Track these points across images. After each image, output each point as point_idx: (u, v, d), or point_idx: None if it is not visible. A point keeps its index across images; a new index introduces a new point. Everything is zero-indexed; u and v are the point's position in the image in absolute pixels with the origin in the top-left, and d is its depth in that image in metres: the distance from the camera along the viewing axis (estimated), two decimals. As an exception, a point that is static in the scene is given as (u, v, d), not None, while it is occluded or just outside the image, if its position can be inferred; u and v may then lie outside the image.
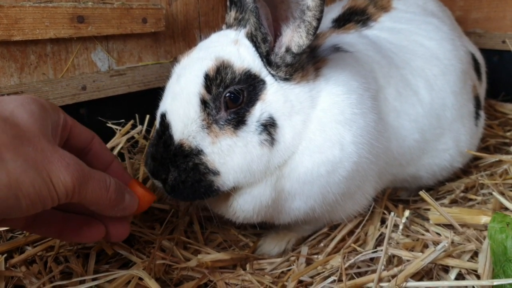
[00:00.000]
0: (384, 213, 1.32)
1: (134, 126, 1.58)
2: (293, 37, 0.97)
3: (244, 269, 1.15)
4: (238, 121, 0.98)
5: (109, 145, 1.49)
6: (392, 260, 1.09)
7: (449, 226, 1.19)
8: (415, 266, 0.94)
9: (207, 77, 0.98)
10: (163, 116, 1.02)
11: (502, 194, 1.35)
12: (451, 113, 1.37)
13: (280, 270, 1.15)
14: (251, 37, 1.03)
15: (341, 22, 1.46)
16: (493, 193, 1.16)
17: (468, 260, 1.02)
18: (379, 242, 1.20)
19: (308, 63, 1.07)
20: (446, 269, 1.04)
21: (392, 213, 1.06)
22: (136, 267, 1.07)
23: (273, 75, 1.02)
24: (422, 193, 1.12)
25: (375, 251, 1.08)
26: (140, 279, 1.02)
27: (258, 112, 0.99)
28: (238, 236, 1.31)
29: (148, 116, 1.59)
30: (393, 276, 0.95)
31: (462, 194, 1.43)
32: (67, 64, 1.42)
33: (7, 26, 1.21)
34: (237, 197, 1.04)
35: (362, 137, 1.08)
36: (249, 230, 1.35)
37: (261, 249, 1.27)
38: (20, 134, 0.74)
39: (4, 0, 1.23)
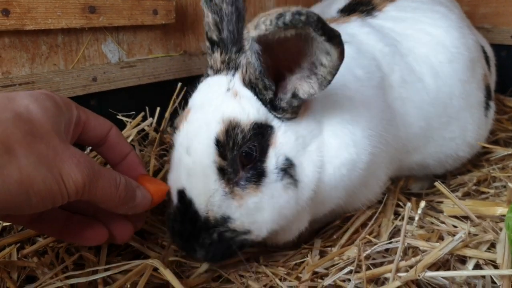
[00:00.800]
0: (397, 206, 1.31)
1: (144, 118, 1.57)
2: (301, 86, 0.93)
3: (258, 262, 1.14)
4: (258, 176, 0.94)
5: (119, 137, 1.49)
6: (407, 252, 1.08)
7: (464, 219, 1.18)
8: (433, 256, 0.93)
9: (218, 143, 0.92)
10: (182, 193, 0.96)
11: (516, 186, 1.34)
12: (458, 102, 1.36)
13: (293, 262, 1.14)
14: (250, 85, 0.97)
15: (346, 13, 1.45)
16: (508, 184, 1.15)
17: (485, 251, 1.01)
18: (393, 234, 1.19)
19: None
20: (463, 260, 1.03)
21: (409, 204, 1.06)
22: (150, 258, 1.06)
23: (279, 118, 0.98)
24: (438, 184, 1.12)
25: (390, 242, 1.07)
26: (154, 270, 1.01)
27: (273, 159, 0.95)
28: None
29: (158, 109, 1.59)
30: (411, 267, 0.94)
31: (474, 187, 1.43)
32: (78, 55, 1.42)
33: (20, 15, 1.20)
34: (276, 235, 1.06)
35: (371, 129, 1.08)
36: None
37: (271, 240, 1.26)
38: (34, 131, 0.74)
39: (16, -10, 1.23)
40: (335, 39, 0.83)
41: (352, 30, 1.29)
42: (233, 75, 1.01)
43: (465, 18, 1.62)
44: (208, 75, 1.08)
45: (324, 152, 1.02)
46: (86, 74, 1.43)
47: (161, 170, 1.46)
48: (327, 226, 1.29)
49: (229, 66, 1.04)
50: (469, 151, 1.47)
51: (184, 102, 1.62)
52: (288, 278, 1.05)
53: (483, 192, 1.40)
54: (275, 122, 0.98)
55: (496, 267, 0.96)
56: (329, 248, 1.17)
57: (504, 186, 1.40)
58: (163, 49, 1.65)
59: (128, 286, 0.97)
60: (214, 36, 1.05)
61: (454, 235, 0.97)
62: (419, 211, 1.14)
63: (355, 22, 1.34)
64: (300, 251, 1.19)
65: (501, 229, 1.04)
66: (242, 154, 0.93)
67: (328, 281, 0.97)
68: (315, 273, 1.05)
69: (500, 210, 1.13)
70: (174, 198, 0.99)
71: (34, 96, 0.79)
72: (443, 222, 1.19)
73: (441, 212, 1.25)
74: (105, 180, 0.82)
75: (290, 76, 0.95)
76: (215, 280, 1.07)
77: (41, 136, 0.74)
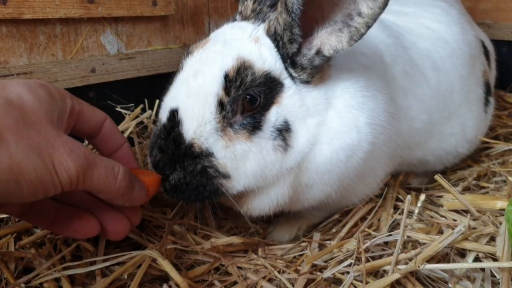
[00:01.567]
0: (396, 200, 1.31)
1: (143, 111, 1.57)
2: (329, 40, 0.92)
3: (256, 254, 1.14)
4: (253, 126, 0.94)
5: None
6: (407, 245, 1.08)
7: (463, 213, 1.18)
8: (433, 249, 0.92)
9: (227, 78, 0.93)
10: (175, 111, 0.96)
11: (515, 181, 1.34)
12: (458, 97, 1.36)
13: (292, 255, 1.14)
14: (274, 36, 0.97)
15: None
16: (508, 178, 1.15)
17: (485, 244, 1.01)
18: (392, 228, 1.19)
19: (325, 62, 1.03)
20: (462, 254, 1.02)
21: (409, 196, 1.05)
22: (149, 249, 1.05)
23: (293, 78, 0.98)
24: (438, 177, 1.11)
25: (390, 235, 1.07)
26: (153, 261, 1.00)
27: (273, 117, 0.95)
28: (248, 222, 1.30)
29: (157, 101, 1.58)
30: (410, 259, 0.93)
31: (474, 182, 1.43)
32: (77, 46, 1.41)
33: (17, 3, 1.19)
34: (252, 197, 1.02)
35: (374, 118, 1.06)
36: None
37: (272, 236, 1.26)
38: (25, 118, 0.72)
39: (14, -22, 1.22)
40: None
41: None
42: (259, 25, 1.01)
43: (466, 13, 1.61)
44: (235, 20, 1.09)
45: (323, 131, 1.00)
46: (85, 65, 1.42)
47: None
48: (326, 220, 1.29)
49: (258, 16, 1.05)
50: (469, 147, 1.47)
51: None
52: (287, 270, 1.05)
53: (483, 187, 1.40)
54: (287, 81, 0.97)
55: (495, 260, 0.95)
56: (328, 241, 1.17)
57: (504, 181, 1.40)
58: (163, 41, 1.64)
59: (126, 276, 0.96)
60: None
61: (453, 229, 0.97)
62: (419, 204, 1.14)
63: None
64: (299, 244, 1.19)
65: (500, 223, 1.04)
66: (246, 97, 0.93)
67: (327, 273, 0.97)
68: (314, 265, 1.05)
69: (500, 204, 1.13)
70: (164, 116, 0.98)
71: (27, 84, 0.78)
72: (443, 216, 1.19)
73: (441, 206, 1.25)
74: (101, 169, 0.80)
75: (320, 30, 0.94)
76: (214, 272, 1.06)
77: (33, 123, 0.73)
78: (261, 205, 1.03)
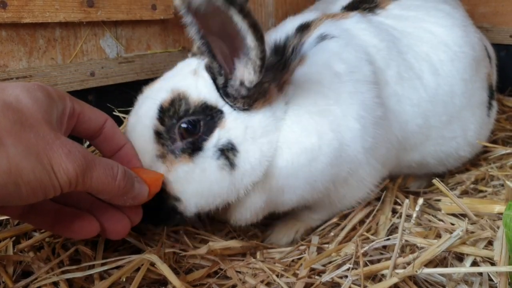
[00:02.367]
0: (395, 203, 1.31)
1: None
2: (244, 73, 0.97)
3: (254, 258, 1.14)
4: (193, 149, 0.98)
5: (117, 132, 1.48)
6: (405, 249, 1.08)
7: (461, 217, 1.18)
8: (431, 253, 0.92)
9: (161, 109, 0.99)
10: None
11: (513, 185, 1.34)
12: (460, 101, 1.36)
13: (291, 259, 1.14)
14: (209, 69, 1.02)
15: (350, 10, 1.44)
16: (506, 182, 1.15)
17: (483, 249, 1.01)
18: (390, 231, 1.19)
19: (272, 84, 1.07)
20: (460, 258, 1.03)
21: (407, 201, 1.06)
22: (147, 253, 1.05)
23: (231, 106, 1.01)
24: (436, 181, 1.11)
25: (388, 239, 1.07)
26: (151, 265, 1.00)
27: (215, 139, 0.99)
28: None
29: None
30: (408, 263, 0.94)
31: (472, 186, 1.43)
32: (76, 49, 1.41)
33: (17, 7, 1.19)
34: (232, 210, 1.08)
35: (341, 125, 1.09)
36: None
37: (270, 239, 1.26)
38: (22, 120, 0.73)
39: (14, -18, 1.22)
40: (239, 6, 0.84)
41: (346, 25, 1.28)
42: (203, 61, 1.07)
43: (468, 17, 1.61)
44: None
45: (280, 140, 1.04)
46: (84, 68, 1.43)
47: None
48: (324, 224, 1.29)
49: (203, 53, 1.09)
50: (470, 151, 1.46)
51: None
52: (286, 274, 1.05)
53: (481, 191, 1.40)
54: (226, 108, 1.01)
55: (493, 264, 0.96)
56: (326, 245, 1.17)
57: (502, 185, 1.40)
58: (162, 44, 1.64)
59: (124, 279, 0.96)
60: None
61: (451, 233, 0.97)
62: (417, 208, 1.14)
63: (352, 18, 1.33)
64: (298, 248, 1.19)
65: (498, 227, 1.04)
66: (181, 126, 0.98)
67: (326, 277, 0.97)
68: (312, 269, 1.05)
69: (498, 208, 1.13)
70: None
71: (26, 87, 0.78)
72: (441, 220, 1.19)
73: (439, 210, 1.25)
74: (100, 170, 0.81)
75: (238, 64, 0.98)
76: (212, 276, 1.06)
77: (31, 125, 0.73)
78: (243, 215, 1.09)
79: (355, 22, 1.31)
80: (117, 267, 1.01)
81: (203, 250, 1.09)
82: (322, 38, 1.19)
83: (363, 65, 1.18)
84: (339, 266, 1.03)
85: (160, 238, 1.17)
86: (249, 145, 1.01)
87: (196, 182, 0.99)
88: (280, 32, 1.25)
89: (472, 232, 1.06)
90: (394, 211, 1.28)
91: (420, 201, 1.14)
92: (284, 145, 1.04)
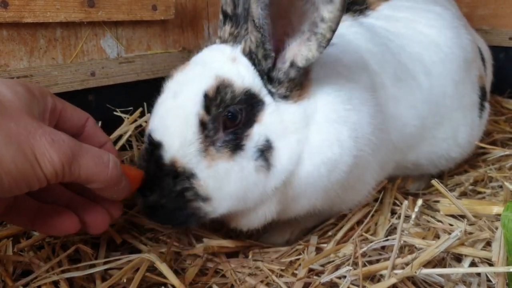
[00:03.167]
0: (394, 204, 1.31)
1: (142, 114, 1.57)
2: (300, 51, 0.94)
3: (252, 257, 1.14)
4: (235, 145, 0.94)
5: (117, 132, 1.49)
6: (403, 250, 1.08)
7: (460, 218, 1.19)
8: (430, 254, 0.93)
9: (206, 97, 0.93)
10: (155, 133, 0.96)
11: (512, 186, 1.35)
12: (451, 102, 1.36)
13: (289, 259, 1.14)
14: (250, 55, 0.99)
15: None
16: (505, 183, 1.15)
17: (481, 249, 1.02)
18: (389, 232, 1.19)
19: (304, 77, 1.04)
20: (458, 259, 1.03)
21: (406, 202, 1.06)
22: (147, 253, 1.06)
23: (272, 94, 0.99)
24: (435, 182, 1.12)
25: (387, 240, 1.07)
26: (151, 266, 1.01)
27: (256, 136, 0.96)
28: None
29: (156, 105, 1.58)
30: (407, 264, 0.94)
31: (471, 187, 1.43)
32: (77, 49, 1.41)
33: (19, 7, 1.20)
34: (240, 216, 1.03)
35: (358, 131, 1.07)
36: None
37: (265, 238, 1.26)
38: (2, 110, 0.71)
39: (16, -18, 1.22)
40: None
41: (340, 30, 1.28)
42: (237, 47, 1.03)
43: (462, 18, 1.62)
44: (214, 43, 1.11)
45: (305, 147, 1.00)
46: (85, 68, 1.43)
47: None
48: (322, 224, 1.29)
49: (236, 39, 1.06)
50: (461, 152, 1.46)
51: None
52: (285, 274, 1.05)
53: (480, 192, 1.41)
54: (268, 99, 0.98)
55: (491, 265, 0.96)
56: (324, 245, 1.17)
57: (501, 186, 1.40)
58: (162, 45, 1.65)
59: (125, 280, 0.97)
60: (229, 10, 1.06)
61: (450, 234, 0.97)
62: (416, 209, 1.14)
63: (344, 22, 1.32)
64: (296, 248, 1.19)
65: (497, 228, 1.05)
66: (227, 114, 0.94)
67: (325, 278, 0.97)
68: (311, 270, 1.05)
69: (496, 209, 1.14)
70: (146, 139, 0.99)
71: (5, 82, 0.77)
72: (439, 221, 1.20)
73: (438, 211, 1.26)
74: (88, 158, 0.79)
75: (290, 43, 0.95)
76: (212, 276, 1.07)
77: (10, 115, 0.71)
78: (249, 222, 1.05)
79: (348, 26, 1.30)
80: (118, 267, 1.01)
81: (199, 248, 1.10)
82: None
83: (363, 72, 1.17)
84: (337, 266, 1.03)
85: (159, 236, 1.18)
86: (281, 142, 0.97)
87: (233, 181, 0.95)
88: None
89: (471, 233, 1.06)
90: (393, 212, 1.28)
91: (419, 202, 1.14)
92: (305, 155, 1.00)
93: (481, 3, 2.22)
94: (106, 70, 1.48)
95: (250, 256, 1.14)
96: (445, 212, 1.21)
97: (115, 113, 1.53)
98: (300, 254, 1.15)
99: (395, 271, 0.93)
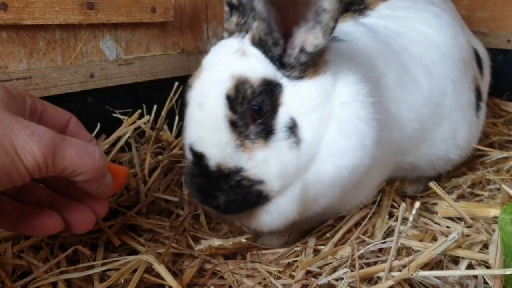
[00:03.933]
0: (391, 207, 1.31)
1: (141, 116, 1.58)
2: (307, 38, 0.96)
3: (250, 258, 1.15)
4: (267, 132, 0.98)
5: (116, 134, 1.49)
6: (401, 252, 1.09)
7: (457, 221, 1.19)
8: (427, 256, 0.93)
9: (229, 98, 0.97)
10: (194, 146, 1.01)
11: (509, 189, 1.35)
12: (449, 101, 1.37)
13: (287, 261, 1.15)
14: (259, 43, 1.00)
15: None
16: (502, 186, 1.16)
17: (478, 252, 1.02)
18: (387, 234, 1.19)
19: (318, 57, 1.04)
20: (455, 261, 1.03)
21: (403, 204, 1.07)
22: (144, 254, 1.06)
23: (287, 76, 1.01)
24: (432, 185, 1.12)
25: (384, 242, 1.08)
26: (149, 269, 1.01)
27: (282, 118, 0.99)
28: (243, 227, 1.31)
29: (155, 107, 1.59)
30: (404, 266, 0.94)
31: (469, 190, 1.43)
32: (76, 51, 1.42)
33: (18, 9, 1.20)
34: (263, 214, 1.05)
35: (376, 131, 1.08)
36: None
37: (263, 240, 1.27)
38: None
39: (15, -16, 1.23)
40: None
41: (346, 29, 1.28)
42: (244, 37, 1.04)
43: (459, 19, 1.62)
44: (222, 38, 1.11)
45: (327, 148, 1.02)
46: (84, 70, 1.43)
47: (157, 168, 1.47)
48: (320, 226, 1.29)
49: (242, 28, 1.07)
50: (460, 153, 1.46)
51: (181, 101, 1.64)
52: (283, 276, 1.05)
53: (477, 195, 1.41)
54: (284, 81, 1.00)
55: (488, 267, 0.96)
56: (322, 247, 1.17)
57: (498, 189, 1.41)
58: (161, 47, 1.65)
59: (122, 281, 0.97)
60: (235, 0, 1.08)
61: (447, 236, 0.98)
62: (413, 212, 1.14)
63: (348, 23, 1.33)
64: (293, 250, 1.19)
65: (494, 230, 1.05)
66: (253, 108, 0.97)
67: (322, 280, 0.98)
68: (309, 272, 1.05)
69: (494, 211, 1.14)
70: (188, 153, 1.03)
71: None
72: (437, 223, 1.20)
73: (435, 213, 1.26)
74: (72, 149, 0.78)
75: (297, 30, 0.97)
76: (209, 277, 1.07)
77: None
78: (272, 221, 1.06)
79: (353, 25, 1.31)
80: (116, 269, 1.02)
81: (197, 249, 1.10)
82: (333, 38, 1.17)
83: (370, 70, 1.17)
84: (335, 268, 1.03)
85: (157, 237, 1.18)
86: (303, 119, 1.00)
87: (273, 164, 0.99)
88: None
89: (468, 236, 1.06)
90: (391, 214, 1.28)
91: (417, 204, 1.14)
92: (329, 158, 1.02)
93: (479, 6, 2.23)
94: (105, 72, 1.48)
95: (248, 258, 1.15)
96: (443, 214, 1.21)
97: (114, 114, 1.53)
98: (298, 256, 1.15)
99: (392, 274, 0.93)
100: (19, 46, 1.30)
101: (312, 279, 1.02)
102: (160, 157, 1.51)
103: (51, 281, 0.96)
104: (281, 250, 1.19)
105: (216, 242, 1.13)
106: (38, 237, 1.08)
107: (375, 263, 1.04)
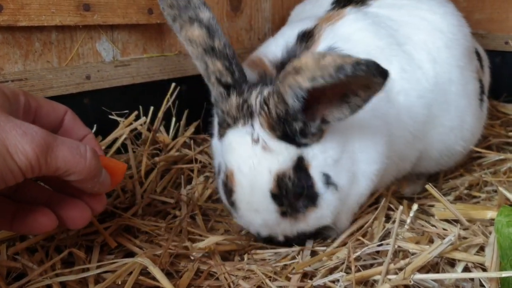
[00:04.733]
0: (389, 209, 1.31)
1: (137, 118, 1.57)
2: (332, 112, 1.00)
3: (243, 260, 1.14)
4: (312, 199, 1.09)
5: (112, 136, 1.49)
6: (397, 255, 1.08)
7: (454, 223, 1.19)
8: (423, 259, 0.93)
9: (275, 197, 1.04)
10: (261, 233, 1.16)
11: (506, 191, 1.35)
12: (456, 88, 1.36)
13: (284, 262, 1.14)
14: (278, 124, 1.02)
15: (341, 3, 1.44)
16: (499, 188, 1.15)
17: (474, 254, 1.02)
18: (383, 237, 1.19)
19: None
20: (452, 263, 1.03)
21: (401, 207, 1.06)
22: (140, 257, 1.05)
23: (306, 145, 1.05)
24: (429, 187, 1.12)
25: (381, 244, 1.07)
26: (145, 271, 1.00)
27: (316, 176, 1.07)
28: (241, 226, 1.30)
29: (152, 108, 1.59)
30: (400, 269, 0.94)
31: (466, 191, 1.43)
32: (72, 53, 1.41)
33: (13, 11, 1.20)
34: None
35: (388, 142, 1.19)
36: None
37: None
38: None
39: (10, -15, 1.22)
40: (386, 77, 0.89)
41: (345, 30, 1.28)
42: (252, 124, 1.05)
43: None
44: (227, 124, 1.09)
45: (355, 164, 1.13)
46: (80, 72, 1.43)
47: (153, 169, 1.46)
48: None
49: (244, 112, 1.06)
50: (464, 146, 1.45)
51: (178, 102, 1.63)
52: (278, 278, 1.05)
53: (475, 196, 1.41)
54: (303, 151, 1.06)
55: (484, 270, 0.96)
56: (321, 249, 1.17)
57: (495, 191, 1.40)
58: (158, 48, 1.65)
59: (120, 282, 0.96)
60: (229, 80, 1.07)
61: (444, 238, 0.98)
62: (411, 214, 1.14)
63: (348, 16, 1.32)
64: (291, 251, 1.19)
65: (490, 233, 1.05)
66: (296, 195, 1.06)
67: (317, 281, 0.97)
68: (305, 274, 1.05)
69: (490, 214, 1.14)
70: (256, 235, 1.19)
71: None
72: (434, 225, 1.19)
73: (432, 215, 1.26)
74: (64, 149, 0.78)
75: (317, 106, 1.00)
76: (205, 279, 1.06)
77: None
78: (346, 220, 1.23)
79: (353, 22, 1.31)
80: (111, 271, 1.01)
81: (195, 246, 1.10)
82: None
83: None
84: (331, 270, 1.03)
85: (153, 239, 1.18)
86: (332, 169, 1.09)
87: (327, 216, 1.13)
88: (281, 45, 1.25)
89: (464, 238, 1.06)
90: (388, 217, 1.28)
91: (415, 207, 1.14)
92: (358, 172, 1.15)
93: (477, 7, 2.23)
94: (101, 73, 1.48)
95: (245, 259, 1.14)
96: (440, 216, 1.21)
97: (110, 116, 1.52)
98: (295, 257, 1.15)
99: (389, 277, 0.93)
100: (15, 48, 1.29)
101: (308, 280, 1.02)
102: (156, 158, 1.50)
103: (46, 284, 0.95)
104: (280, 250, 1.19)
105: (215, 238, 1.13)
106: (32, 235, 1.08)
107: (372, 265, 1.03)
